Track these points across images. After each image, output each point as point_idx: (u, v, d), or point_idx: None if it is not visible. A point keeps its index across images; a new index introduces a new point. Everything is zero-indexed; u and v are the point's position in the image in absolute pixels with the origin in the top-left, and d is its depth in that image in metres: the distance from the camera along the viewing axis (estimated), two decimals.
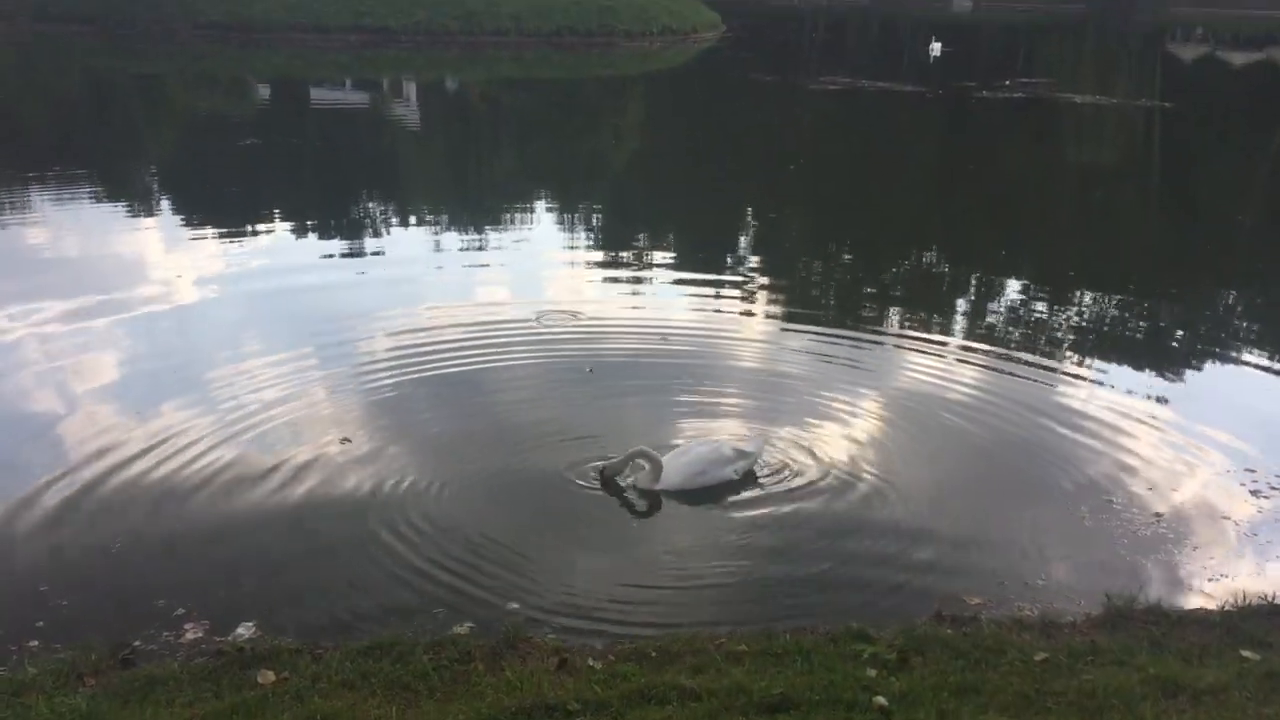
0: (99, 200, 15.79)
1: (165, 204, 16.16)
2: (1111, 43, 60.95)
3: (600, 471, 6.90)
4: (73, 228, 13.73)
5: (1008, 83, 34.57)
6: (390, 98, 31.54)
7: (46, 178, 16.76)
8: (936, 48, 41.82)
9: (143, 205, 15.80)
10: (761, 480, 7.08)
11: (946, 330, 10.73)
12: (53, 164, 18.17)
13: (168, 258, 12.47)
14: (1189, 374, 9.64)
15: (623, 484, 6.91)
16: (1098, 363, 9.74)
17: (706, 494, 6.83)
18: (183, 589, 5.64)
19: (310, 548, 6.16)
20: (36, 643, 5.12)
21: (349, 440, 7.52)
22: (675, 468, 6.84)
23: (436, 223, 15.34)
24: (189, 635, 5.23)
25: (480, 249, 13.58)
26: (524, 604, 5.59)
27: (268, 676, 4.61)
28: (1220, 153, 24.81)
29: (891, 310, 11.38)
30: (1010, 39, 63.31)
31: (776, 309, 11.46)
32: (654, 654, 4.91)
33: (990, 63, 45.55)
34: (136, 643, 5.08)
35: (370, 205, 16.37)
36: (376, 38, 41.59)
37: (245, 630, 5.28)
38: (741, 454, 7.07)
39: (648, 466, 6.80)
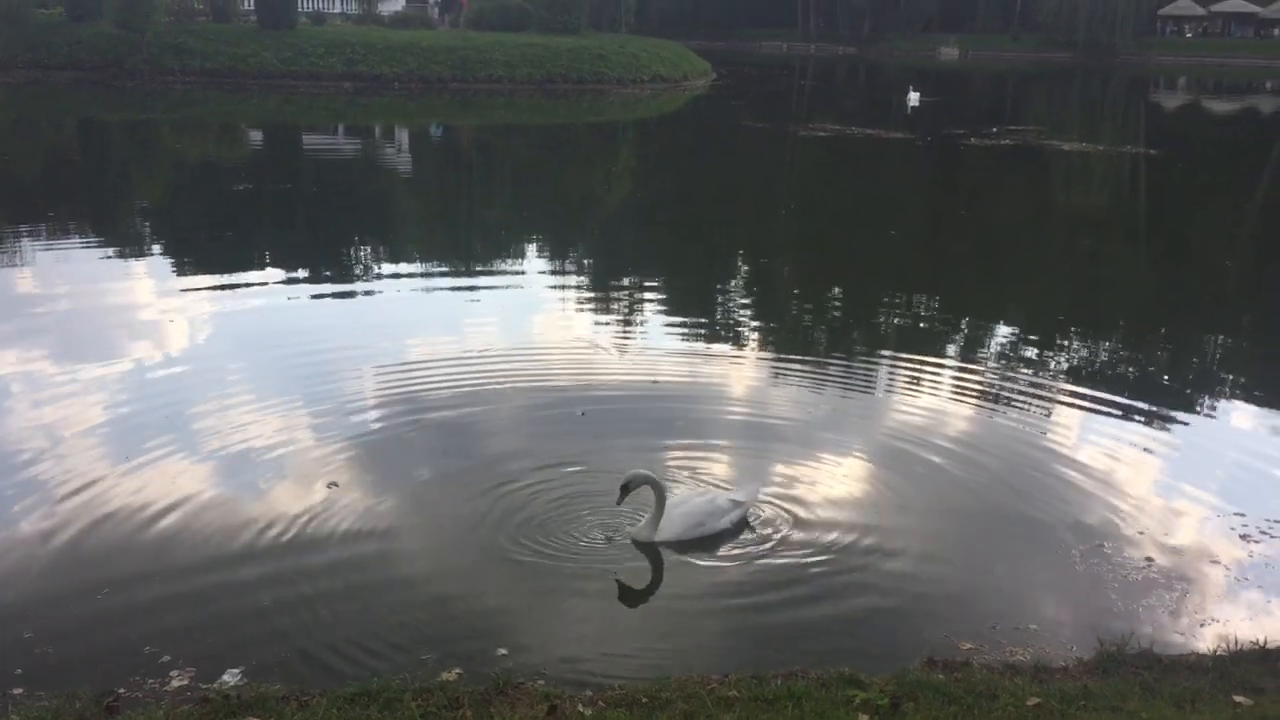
0: (90, 246, 15.81)
1: (157, 249, 16.20)
2: (1096, 91, 61.67)
3: (621, 490, 6.75)
4: (64, 273, 13.73)
5: (995, 130, 34.91)
6: (382, 143, 31.75)
7: (38, 224, 16.79)
8: (914, 97, 42.03)
9: (134, 250, 15.83)
10: (753, 525, 7.05)
11: (937, 375, 10.75)
12: (45, 210, 18.22)
13: (159, 303, 12.46)
14: (1178, 419, 9.66)
15: (629, 504, 6.85)
16: (1087, 407, 9.76)
17: (698, 541, 6.80)
18: (168, 636, 5.59)
19: (297, 594, 6.11)
20: (20, 690, 5.06)
21: (336, 485, 7.49)
22: (673, 519, 6.78)
23: (427, 267, 15.38)
24: (174, 682, 5.17)
25: (471, 292, 13.60)
26: (513, 650, 5.55)
27: None
28: (1206, 199, 25.04)
29: (882, 354, 11.41)
30: (997, 87, 64.05)
31: (767, 353, 11.49)
32: (645, 700, 4.87)
33: (978, 110, 46.02)
34: (121, 690, 5.03)
35: (361, 249, 16.41)
36: (369, 84, 41.98)
37: (231, 677, 5.23)
38: (735, 503, 7.05)
39: (653, 491, 6.74)
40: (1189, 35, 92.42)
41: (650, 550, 6.67)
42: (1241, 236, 20.15)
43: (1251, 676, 5.20)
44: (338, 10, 53.46)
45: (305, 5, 49.67)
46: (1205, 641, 5.82)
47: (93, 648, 5.51)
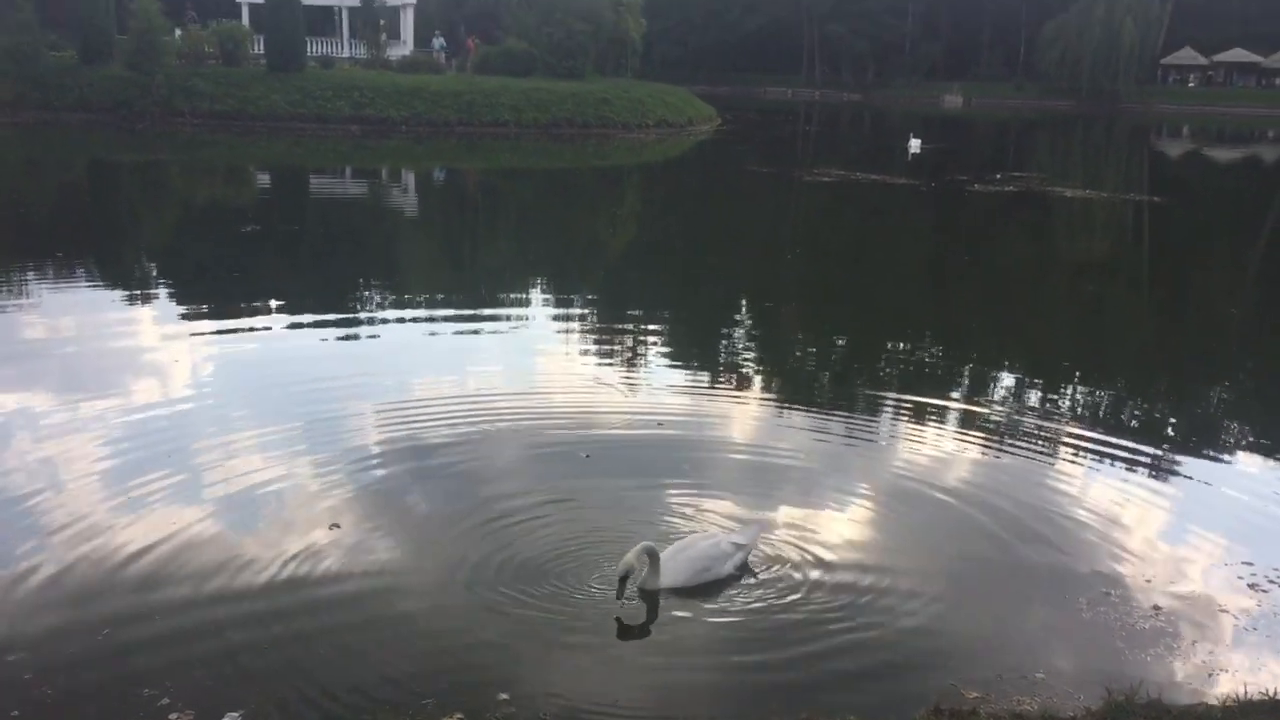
0: (97, 285, 15.90)
1: (163, 289, 16.25)
2: (1099, 139, 62.05)
3: (620, 580, 6.37)
4: (70, 312, 13.77)
5: (999, 176, 35.08)
6: (388, 186, 31.95)
7: (45, 263, 16.87)
8: (915, 144, 42.13)
9: (141, 290, 15.88)
10: (756, 570, 7.01)
11: (941, 420, 10.73)
12: (53, 249, 18.31)
13: (164, 342, 12.48)
14: (1184, 466, 9.62)
15: (633, 586, 6.56)
16: (1091, 454, 9.72)
17: (701, 586, 6.75)
18: (168, 677, 5.55)
19: (298, 635, 6.07)
20: None
21: (338, 526, 7.47)
22: (677, 565, 6.70)
23: (432, 307, 15.41)
24: None
25: (475, 334, 13.63)
26: (515, 695, 5.50)
27: None
28: (1210, 246, 25.10)
29: (886, 399, 11.39)
30: (1000, 134, 64.47)
31: (772, 396, 11.48)
32: None
33: (981, 157, 46.29)
34: None
35: (367, 290, 16.46)
36: (376, 127, 42.31)
37: None
38: (738, 546, 7.01)
39: (649, 563, 6.60)
40: (1191, 84, 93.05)
41: (652, 595, 6.62)
42: (1245, 284, 20.18)
43: None
44: (346, 54, 53.94)
45: (314, 49, 50.12)
46: (1215, 692, 5.76)
47: (91, 688, 5.47)
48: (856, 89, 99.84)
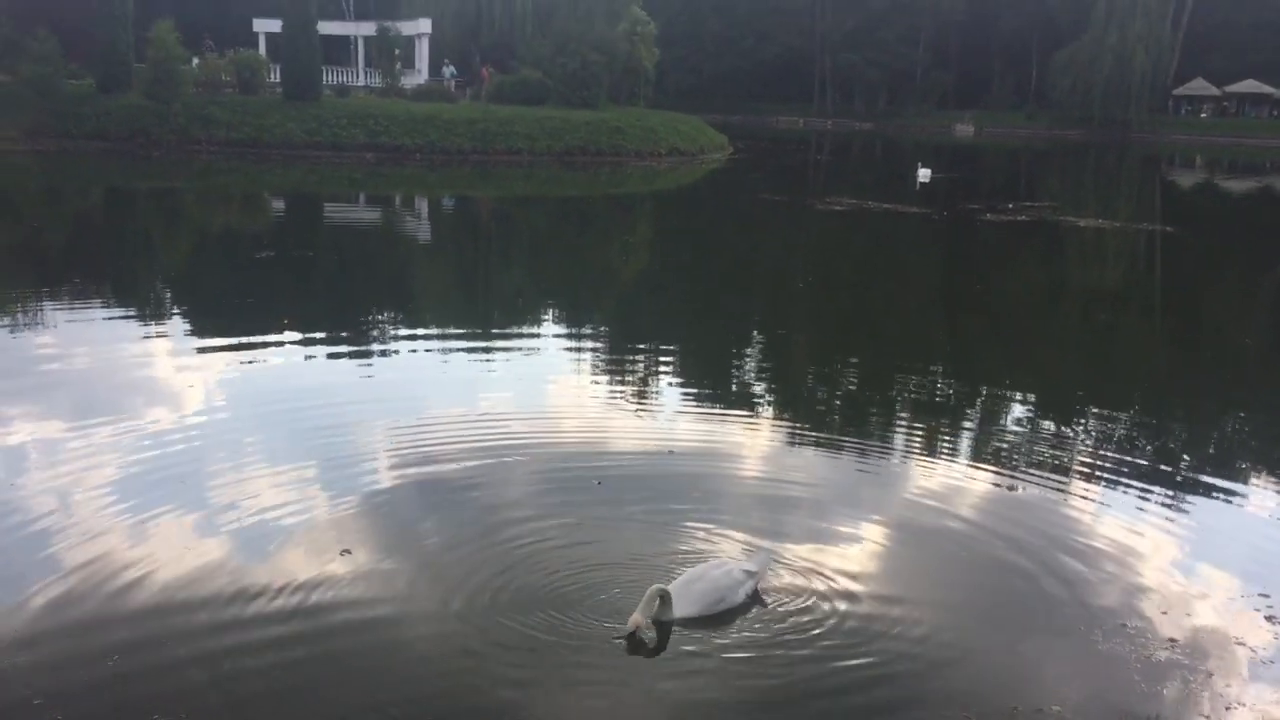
0: (113, 311, 15.97)
1: (178, 315, 16.34)
2: (1111, 168, 62.07)
3: (629, 637, 6.31)
4: (85, 338, 13.84)
5: (1011, 205, 35.09)
6: (402, 213, 32.12)
7: (62, 289, 16.97)
8: (924, 174, 42.06)
9: (156, 316, 15.98)
10: (769, 600, 6.97)
11: (953, 450, 10.70)
12: (70, 276, 18.44)
13: (178, 367, 12.54)
14: (1198, 498, 9.56)
15: (647, 634, 6.45)
16: (1105, 485, 9.67)
17: (715, 615, 6.71)
18: (179, 705, 5.54)
19: (308, 663, 6.06)
20: None
21: (349, 552, 7.46)
22: (690, 595, 6.64)
23: (444, 336, 15.44)
24: None
25: (488, 362, 13.65)
26: None
27: None
28: (1224, 277, 25.03)
29: (897, 429, 11.36)
30: (1012, 163, 64.54)
31: (783, 425, 11.46)
32: None
33: (993, 186, 46.33)
34: None
35: (380, 317, 16.51)
36: (391, 155, 42.57)
37: None
38: (749, 574, 6.98)
39: (660, 604, 6.51)
40: (1204, 115, 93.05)
41: (663, 625, 6.58)
42: (1260, 314, 20.11)
43: None
44: (361, 83, 54.37)
45: (330, 78, 50.55)
46: None
47: (102, 714, 5.48)
48: (868, 118, 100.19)
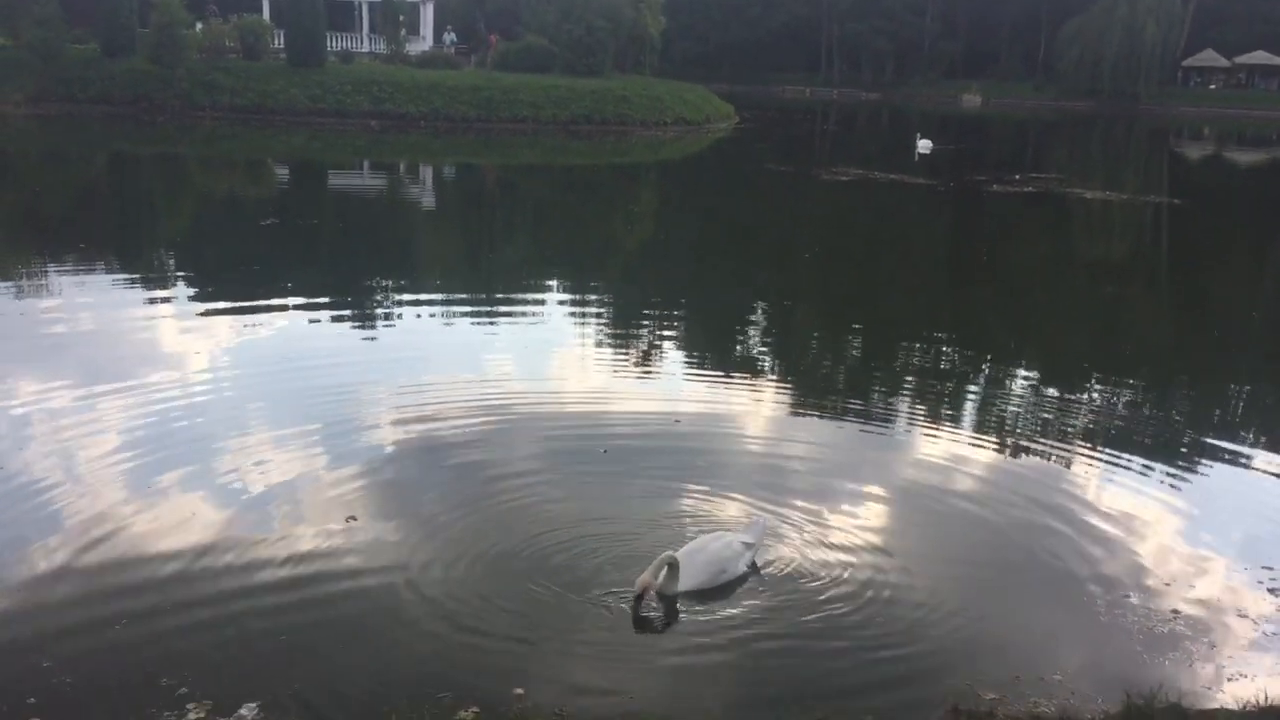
0: (117, 278, 15.97)
1: (183, 282, 16.32)
2: (1119, 140, 61.75)
3: (636, 598, 6.33)
4: (91, 304, 13.84)
5: (1018, 176, 34.94)
6: (406, 181, 32.03)
7: (65, 256, 16.94)
8: (925, 145, 41.78)
9: (160, 283, 15.96)
10: (770, 571, 6.99)
11: (957, 421, 10.70)
12: (75, 242, 18.41)
13: (183, 335, 12.55)
14: (1203, 469, 9.57)
15: (652, 604, 6.43)
16: (1110, 456, 9.67)
17: (718, 587, 6.72)
18: (186, 668, 5.58)
19: (315, 628, 6.10)
20: None
21: (354, 519, 7.49)
22: (693, 568, 6.62)
23: (449, 303, 15.43)
24: (191, 715, 5.16)
25: (493, 330, 13.65)
26: (530, 690, 5.51)
27: None
28: (1231, 249, 24.95)
29: (902, 399, 11.36)
30: (1020, 134, 64.20)
31: (788, 395, 11.46)
32: None
33: (1000, 157, 46.11)
34: None
35: (384, 284, 16.48)
36: (395, 123, 42.40)
37: (248, 711, 5.21)
38: (748, 545, 6.98)
39: (668, 572, 6.49)
40: (1213, 87, 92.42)
41: (667, 599, 6.57)
42: (1267, 287, 20.06)
43: None
44: (366, 49, 54.01)
45: (334, 44, 50.22)
46: (1234, 697, 5.73)
47: (110, 679, 5.50)
48: (875, 88, 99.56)
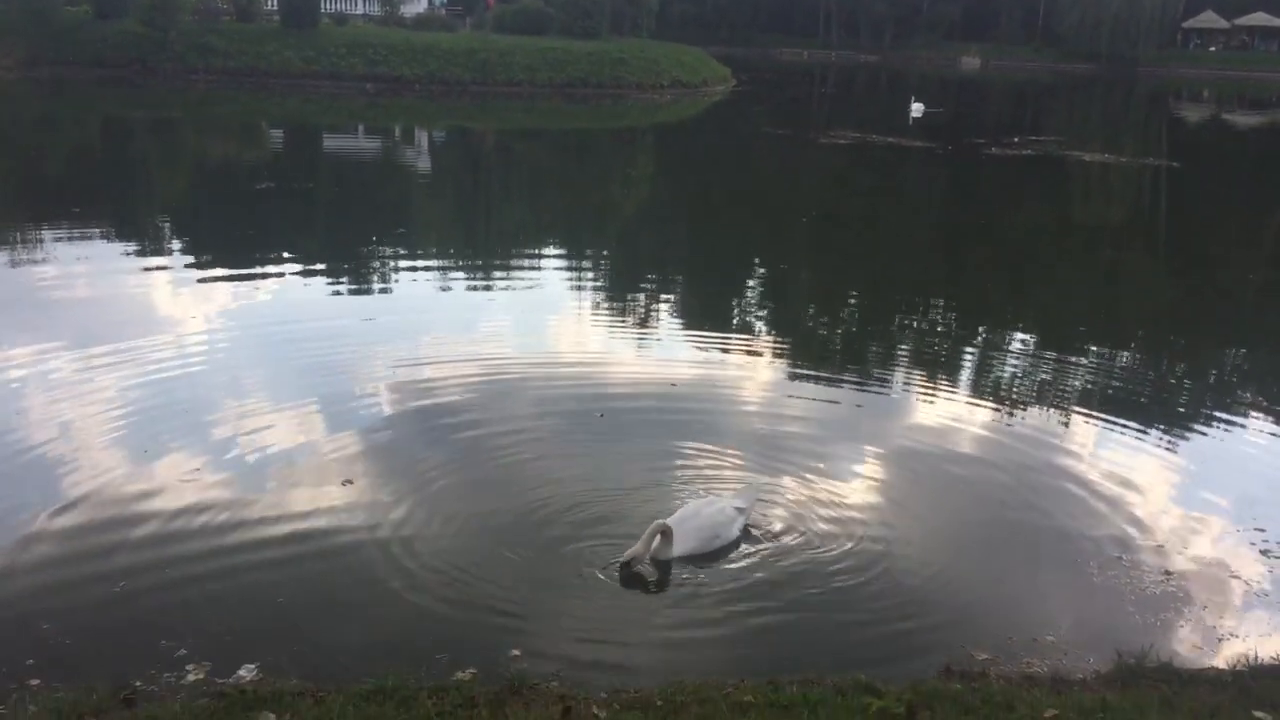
0: (112, 243, 15.89)
1: (178, 247, 16.27)
2: (1118, 103, 61.44)
3: (624, 565, 6.34)
4: (84, 271, 13.80)
5: (1017, 140, 34.81)
6: (402, 145, 31.86)
7: (60, 221, 16.86)
8: (918, 108, 41.47)
9: (155, 248, 15.92)
10: (765, 534, 7.02)
11: (953, 384, 10.72)
12: (69, 206, 18.33)
13: (179, 301, 12.53)
14: (1197, 431, 9.61)
15: (646, 568, 6.44)
16: (1105, 419, 9.70)
17: (705, 554, 6.71)
18: (185, 630, 5.61)
19: (312, 590, 6.13)
20: (37, 681, 5.08)
21: (350, 482, 7.51)
22: (686, 533, 6.61)
23: (446, 269, 15.40)
24: (191, 676, 5.19)
25: (489, 295, 13.64)
26: (527, 650, 5.55)
27: (269, 719, 4.57)
28: (1228, 212, 24.90)
29: (898, 363, 11.38)
30: (1018, 97, 63.86)
31: (784, 359, 11.47)
32: (659, 703, 4.86)
33: (999, 120, 45.90)
34: (138, 683, 5.05)
35: (380, 249, 16.44)
36: (390, 86, 42.13)
37: (247, 672, 5.24)
38: (740, 510, 6.99)
39: (661, 541, 6.50)
40: (1213, 49, 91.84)
41: (661, 563, 6.55)
42: (1264, 249, 20.04)
43: (1272, 693, 5.15)
44: (360, 11, 53.59)
45: (328, 6, 49.83)
46: (1224, 657, 5.78)
47: (109, 641, 5.54)
48: (873, 50, 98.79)
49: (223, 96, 38.67)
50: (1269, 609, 6.40)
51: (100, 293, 12.79)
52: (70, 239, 15.65)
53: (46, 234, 15.85)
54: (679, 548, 6.58)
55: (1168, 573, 6.72)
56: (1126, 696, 5.05)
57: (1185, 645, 5.92)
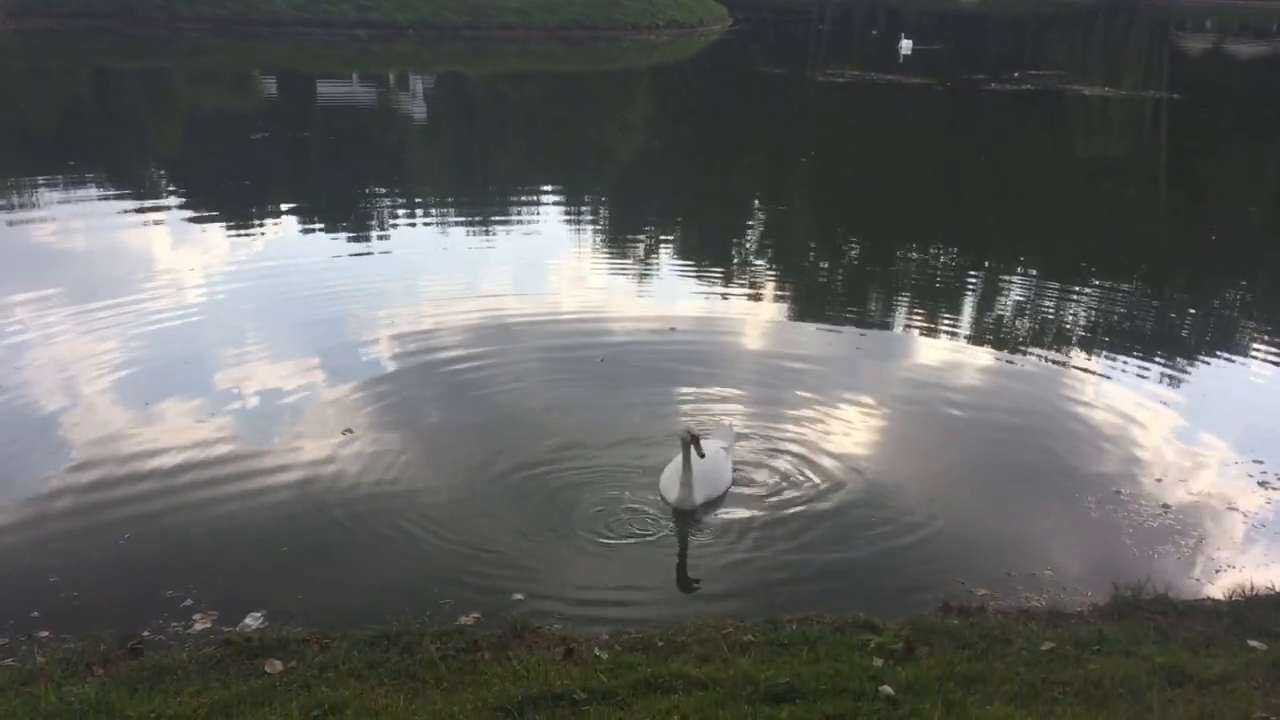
0: (108, 196, 15.79)
1: (174, 199, 16.19)
2: (1119, 35, 60.72)
3: (691, 436, 6.26)
4: (81, 225, 13.73)
5: (1016, 75, 34.46)
6: (397, 92, 31.55)
7: (55, 175, 16.75)
8: (906, 45, 40.89)
9: (152, 201, 15.82)
10: (765, 474, 7.05)
11: (954, 323, 10.71)
12: (62, 160, 18.20)
13: (177, 253, 12.50)
14: (1198, 366, 9.61)
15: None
16: (1106, 355, 9.71)
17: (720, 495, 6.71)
18: (191, 580, 5.66)
19: (317, 538, 6.18)
20: (46, 633, 5.14)
21: (351, 431, 7.53)
22: (699, 480, 6.47)
23: (444, 216, 15.34)
24: (197, 625, 5.25)
25: (488, 241, 13.59)
26: (529, 594, 5.60)
27: (275, 666, 4.63)
28: (1230, 144, 24.72)
29: (899, 303, 11.37)
30: (1018, 31, 63.10)
31: (784, 301, 11.46)
32: (660, 644, 4.91)
33: (998, 55, 45.38)
34: (145, 633, 5.11)
35: (378, 198, 16.36)
36: (382, 32, 41.56)
37: (253, 620, 5.30)
38: (726, 450, 6.94)
39: (678, 481, 6.40)
40: None
41: (687, 514, 6.54)
42: (1265, 182, 19.91)
43: (1266, 622, 5.20)
44: None
45: None
46: (1221, 587, 5.83)
47: (116, 591, 5.59)
48: None
49: (213, 45, 38.22)
50: (1266, 540, 6.45)
51: (98, 245, 12.75)
52: (66, 191, 15.55)
53: (42, 187, 15.75)
54: (700, 496, 6.49)
55: (1166, 506, 6.76)
56: (1123, 628, 5.10)
57: (1182, 577, 5.98)
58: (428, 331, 9.69)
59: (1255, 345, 10.33)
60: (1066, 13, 76.24)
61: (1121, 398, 8.63)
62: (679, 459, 6.48)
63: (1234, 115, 30.08)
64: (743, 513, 6.56)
